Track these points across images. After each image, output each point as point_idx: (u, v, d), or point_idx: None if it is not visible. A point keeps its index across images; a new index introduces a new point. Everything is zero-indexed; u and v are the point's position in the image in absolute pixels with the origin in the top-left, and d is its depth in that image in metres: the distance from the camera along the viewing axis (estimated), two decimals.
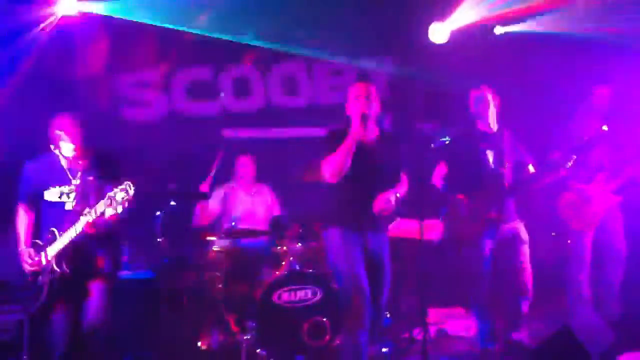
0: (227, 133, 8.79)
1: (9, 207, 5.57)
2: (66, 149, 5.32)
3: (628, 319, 6.96)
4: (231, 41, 8.72)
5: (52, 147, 5.37)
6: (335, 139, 5.57)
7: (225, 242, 7.28)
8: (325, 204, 5.75)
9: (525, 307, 6.40)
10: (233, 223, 7.40)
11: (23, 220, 5.42)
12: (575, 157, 6.29)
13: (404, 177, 5.86)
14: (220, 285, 7.01)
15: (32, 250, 5.28)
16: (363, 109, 5.52)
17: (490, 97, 6.48)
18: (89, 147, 5.36)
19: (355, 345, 5.48)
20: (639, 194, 7.12)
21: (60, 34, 7.96)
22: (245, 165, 8.03)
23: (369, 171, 5.59)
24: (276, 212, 7.89)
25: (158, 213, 6.97)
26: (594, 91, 7.17)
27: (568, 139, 6.78)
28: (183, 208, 7.20)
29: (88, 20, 7.89)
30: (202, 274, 7.20)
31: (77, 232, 5.13)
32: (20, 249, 5.35)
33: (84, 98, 7.92)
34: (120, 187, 4.98)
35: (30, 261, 5.26)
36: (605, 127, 6.72)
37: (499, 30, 8.58)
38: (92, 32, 8.21)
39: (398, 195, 5.68)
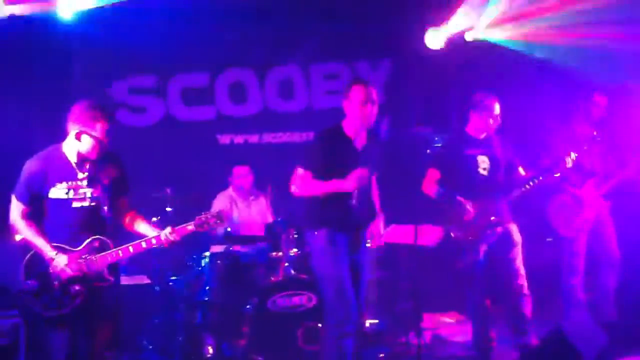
0: (224, 139, 8.84)
1: (3, 210, 5.36)
2: (86, 141, 4.97)
3: (624, 323, 6.99)
4: (227, 46, 8.77)
5: (73, 136, 4.96)
6: (326, 142, 5.62)
7: (221, 248, 7.30)
8: (311, 206, 5.72)
9: (527, 309, 6.41)
10: (229, 229, 7.42)
11: (32, 225, 5.00)
12: (575, 154, 6.31)
13: (374, 181, 5.89)
14: (215, 291, 7.02)
15: (73, 256, 4.95)
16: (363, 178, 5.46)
17: (493, 104, 6.50)
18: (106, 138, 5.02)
19: (340, 351, 5.49)
20: (630, 198, 7.16)
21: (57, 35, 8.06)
22: (244, 175, 8.08)
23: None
24: (270, 218, 7.93)
25: (154, 219, 6.98)
26: (593, 98, 7.18)
27: (562, 144, 6.78)
28: (179, 213, 7.19)
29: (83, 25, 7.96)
30: (198, 279, 7.21)
31: (147, 246, 5.06)
32: (51, 255, 4.92)
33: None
34: (212, 214, 5.14)
35: (73, 267, 4.92)
36: (595, 133, 6.75)
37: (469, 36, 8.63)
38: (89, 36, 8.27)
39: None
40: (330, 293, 5.57)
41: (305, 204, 5.76)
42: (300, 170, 5.60)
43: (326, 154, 5.58)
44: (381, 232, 5.76)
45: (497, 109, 6.49)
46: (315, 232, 5.65)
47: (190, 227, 5.12)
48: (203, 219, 5.13)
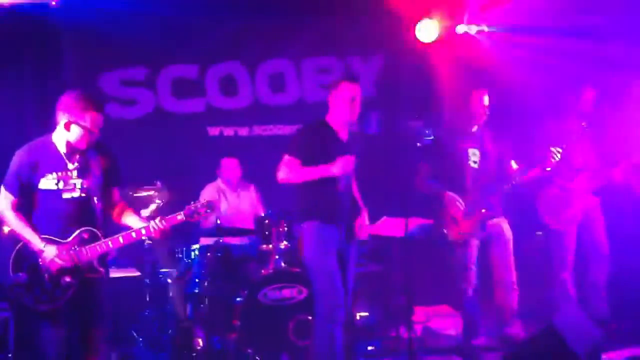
0: (214, 131, 8.81)
1: None
2: (75, 131, 4.89)
3: (615, 317, 7.01)
4: (218, 38, 8.73)
5: (62, 126, 4.89)
6: (313, 133, 5.74)
7: (210, 240, 7.27)
8: (300, 199, 5.79)
9: (514, 301, 6.44)
10: (218, 221, 7.39)
11: (21, 216, 4.91)
12: (560, 150, 6.28)
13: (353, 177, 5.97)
14: (205, 284, 6.99)
15: (62, 247, 4.86)
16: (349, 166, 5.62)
17: (482, 98, 6.50)
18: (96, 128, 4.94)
19: (330, 341, 5.56)
20: (619, 194, 7.18)
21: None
22: (231, 167, 8.06)
23: None
24: (260, 211, 7.90)
25: (143, 211, 6.94)
26: (581, 93, 7.19)
27: (552, 138, 6.79)
28: (169, 205, 7.16)
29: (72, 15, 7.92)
30: (188, 272, 7.19)
31: (137, 237, 5.01)
32: (40, 247, 4.83)
33: None
34: (202, 203, 5.08)
35: (63, 258, 4.85)
36: (584, 124, 6.73)
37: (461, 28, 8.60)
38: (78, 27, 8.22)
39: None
40: (320, 284, 5.64)
41: (295, 197, 5.80)
42: (286, 157, 5.66)
43: (313, 143, 5.68)
44: (366, 224, 5.82)
45: (485, 101, 6.51)
46: (305, 224, 5.71)
47: (180, 216, 5.07)
48: (193, 208, 5.08)
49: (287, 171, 5.64)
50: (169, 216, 5.07)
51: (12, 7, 7.61)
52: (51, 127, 5.04)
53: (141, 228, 5.04)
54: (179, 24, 8.58)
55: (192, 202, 5.13)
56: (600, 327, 5.91)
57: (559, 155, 6.30)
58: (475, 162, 6.51)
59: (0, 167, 5.16)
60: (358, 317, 7.19)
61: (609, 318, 6.98)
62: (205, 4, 8.46)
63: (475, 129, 6.57)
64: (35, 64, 8.13)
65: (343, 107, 5.69)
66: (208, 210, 5.11)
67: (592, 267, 7.20)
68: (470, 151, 6.53)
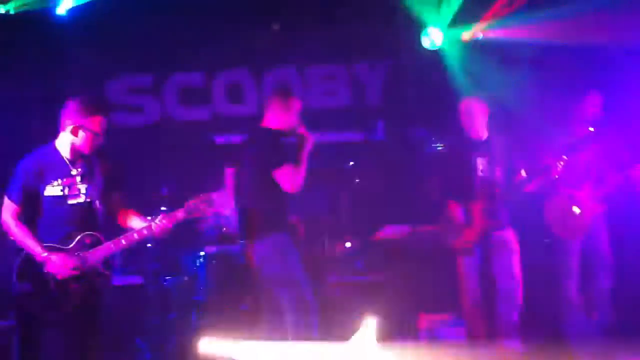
0: (220, 139, 8.81)
1: None
2: (82, 135, 4.96)
3: (622, 325, 6.97)
4: (224, 46, 8.75)
5: (69, 131, 4.97)
6: (280, 143, 5.67)
7: (215, 248, 7.27)
8: (251, 216, 5.66)
9: (515, 315, 6.40)
10: (224, 229, 7.38)
11: (23, 226, 4.93)
12: (565, 158, 6.25)
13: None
14: (211, 291, 6.99)
15: (67, 254, 4.89)
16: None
17: (478, 107, 6.48)
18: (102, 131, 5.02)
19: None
20: (624, 203, 7.15)
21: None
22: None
23: None
24: None
25: (149, 218, 6.93)
26: (586, 98, 7.16)
27: (559, 145, 6.75)
28: None
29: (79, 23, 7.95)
30: (193, 279, 7.19)
31: (139, 237, 5.02)
32: (44, 256, 4.84)
33: None
34: (202, 199, 5.07)
35: (69, 265, 4.86)
36: (591, 129, 6.66)
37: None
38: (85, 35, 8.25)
39: None
40: (294, 296, 5.51)
41: (244, 215, 5.71)
42: (279, 170, 5.54)
43: (276, 147, 5.63)
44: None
45: (480, 111, 6.47)
46: (265, 240, 5.56)
47: (181, 213, 5.06)
48: (192, 204, 5.06)
49: (291, 177, 5.54)
50: (170, 214, 5.07)
51: (20, 15, 7.65)
52: (57, 134, 5.08)
53: (142, 228, 5.05)
54: (185, 32, 8.59)
55: (192, 199, 5.11)
56: (605, 334, 5.90)
57: (561, 165, 6.28)
58: (483, 171, 6.47)
59: (7, 173, 5.19)
60: None
61: (614, 324, 6.94)
62: (211, 11, 8.48)
63: (484, 137, 6.52)
64: (41, 71, 8.14)
65: (291, 119, 5.83)
66: (208, 206, 5.08)
67: (596, 275, 7.15)
68: (479, 160, 6.49)
